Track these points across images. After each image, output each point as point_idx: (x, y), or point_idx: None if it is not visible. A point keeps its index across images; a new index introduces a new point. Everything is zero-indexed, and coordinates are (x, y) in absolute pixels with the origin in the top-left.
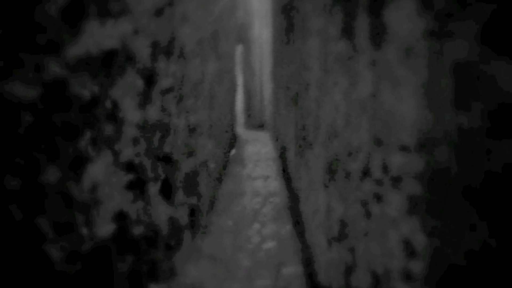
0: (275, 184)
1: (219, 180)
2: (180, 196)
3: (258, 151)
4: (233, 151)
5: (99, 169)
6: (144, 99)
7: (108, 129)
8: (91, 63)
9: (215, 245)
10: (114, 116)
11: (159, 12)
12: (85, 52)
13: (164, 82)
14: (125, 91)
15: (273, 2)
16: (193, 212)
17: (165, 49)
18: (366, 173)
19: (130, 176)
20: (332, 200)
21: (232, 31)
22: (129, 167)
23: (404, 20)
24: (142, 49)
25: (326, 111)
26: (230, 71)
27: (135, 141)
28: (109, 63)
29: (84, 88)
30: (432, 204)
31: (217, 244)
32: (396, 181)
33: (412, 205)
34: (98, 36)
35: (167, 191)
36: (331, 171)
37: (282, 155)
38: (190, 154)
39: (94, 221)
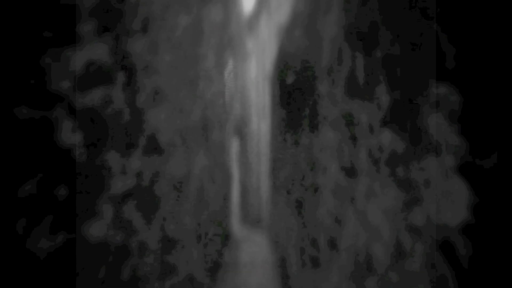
0: None
1: None
2: None
3: (253, 254)
4: (225, 254)
5: None
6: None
7: None
8: None
9: None
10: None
11: (107, 78)
12: None
13: (118, 185)
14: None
15: (273, 94)
16: None
17: (120, 138)
18: None
19: None
20: None
21: (226, 121)
22: None
23: None
24: (68, 135)
25: (352, 230)
26: (224, 166)
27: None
28: None
29: None
30: None
31: None
32: None
33: None
34: None
35: None
36: None
37: (282, 265)
38: (168, 272)
39: None
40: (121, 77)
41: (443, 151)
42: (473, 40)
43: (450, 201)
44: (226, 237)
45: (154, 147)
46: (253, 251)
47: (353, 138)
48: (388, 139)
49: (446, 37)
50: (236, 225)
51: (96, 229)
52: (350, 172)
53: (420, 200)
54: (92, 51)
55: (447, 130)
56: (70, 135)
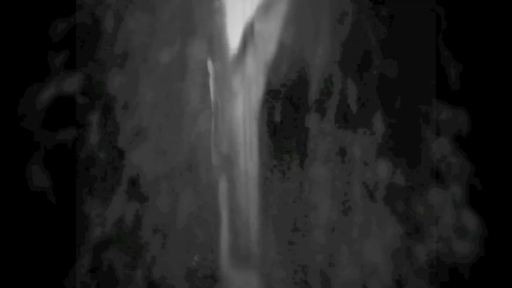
0: None
1: None
2: None
3: None
4: None
5: None
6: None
7: None
8: None
9: None
10: None
11: (81, 116)
12: None
13: (98, 232)
14: None
15: (260, 132)
16: None
17: (98, 181)
18: None
19: None
20: None
21: (214, 161)
22: None
23: None
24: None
25: (347, 269)
26: (212, 206)
27: None
28: None
29: None
30: None
31: None
32: None
33: None
34: None
35: None
36: None
37: None
38: None
39: None
40: (97, 115)
41: (448, 180)
42: (480, 58)
43: (458, 235)
44: (215, 278)
45: (136, 190)
46: None
47: (346, 172)
48: (385, 170)
49: (451, 54)
50: (225, 265)
51: (76, 277)
52: (344, 208)
53: (423, 235)
54: (63, 85)
55: (453, 157)
56: (39, 177)
